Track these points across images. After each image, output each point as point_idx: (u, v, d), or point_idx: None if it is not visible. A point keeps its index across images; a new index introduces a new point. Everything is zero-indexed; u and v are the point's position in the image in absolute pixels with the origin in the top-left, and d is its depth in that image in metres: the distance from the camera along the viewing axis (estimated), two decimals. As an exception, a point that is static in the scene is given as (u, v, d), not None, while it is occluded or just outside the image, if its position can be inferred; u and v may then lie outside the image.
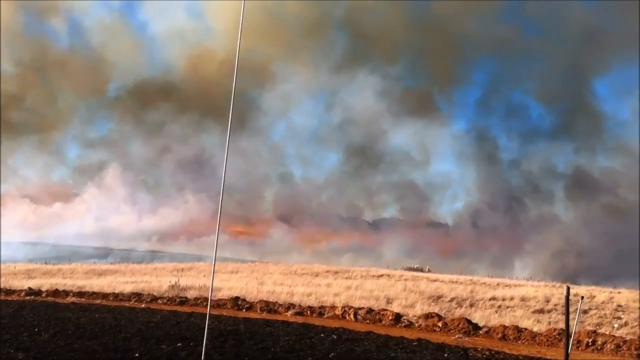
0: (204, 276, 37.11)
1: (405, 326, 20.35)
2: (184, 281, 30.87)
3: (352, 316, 21.61)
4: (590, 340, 17.56)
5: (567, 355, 9.99)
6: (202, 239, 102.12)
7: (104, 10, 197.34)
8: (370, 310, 22.01)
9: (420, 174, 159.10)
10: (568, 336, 10.48)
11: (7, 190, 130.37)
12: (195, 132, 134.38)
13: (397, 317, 21.14)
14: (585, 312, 26.73)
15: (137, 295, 26.58)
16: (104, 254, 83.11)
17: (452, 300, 29.17)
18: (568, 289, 10.25)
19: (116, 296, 26.77)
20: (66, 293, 27.42)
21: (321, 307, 23.31)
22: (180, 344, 13.99)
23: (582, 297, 10.55)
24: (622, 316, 25.98)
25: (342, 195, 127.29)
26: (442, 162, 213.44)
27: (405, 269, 67.49)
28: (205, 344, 9.56)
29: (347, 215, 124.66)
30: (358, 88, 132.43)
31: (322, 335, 16.35)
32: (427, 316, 21.18)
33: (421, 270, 71.09)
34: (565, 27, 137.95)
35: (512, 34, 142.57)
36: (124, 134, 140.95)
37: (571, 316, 24.67)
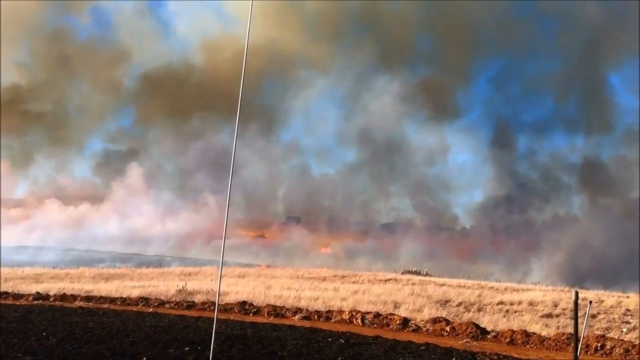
0: (212, 280, 37.12)
1: (413, 330, 20.29)
2: (191, 285, 30.90)
3: (359, 320, 21.56)
4: (599, 344, 17.48)
5: (576, 359, 9.94)
6: (217, 242, 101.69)
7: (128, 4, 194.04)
8: (377, 315, 21.96)
9: (436, 171, 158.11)
10: (577, 340, 10.43)
11: (30, 188, 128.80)
12: (218, 129, 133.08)
13: (405, 322, 21.08)
14: (593, 316, 26.64)
15: (145, 300, 26.60)
16: (129, 258, 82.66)
17: (459, 304, 29.11)
18: (577, 293, 10.21)
19: (123, 300, 26.80)
20: (74, 297, 27.44)
21: (328, 311, 23.28)
22: (187, 348, 13.99)
23: (591, 302, 10.51)
24: (631, 320, 25.91)
25: (358, 196, 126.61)
26: (459, 156, 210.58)
27: (404, 272, 67.59)
28: (213, 349, 9.51)
29: (362, 218, 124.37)
30: (376, 86, 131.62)
31: (329, 339, 16.32)
32: (435, 320, 21.11)
33: (418, 273, 71.17)
34: (579, 22, 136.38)
35: (525, 29, 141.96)
36: (146, 132, 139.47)
37: (580, 320, 24.61)
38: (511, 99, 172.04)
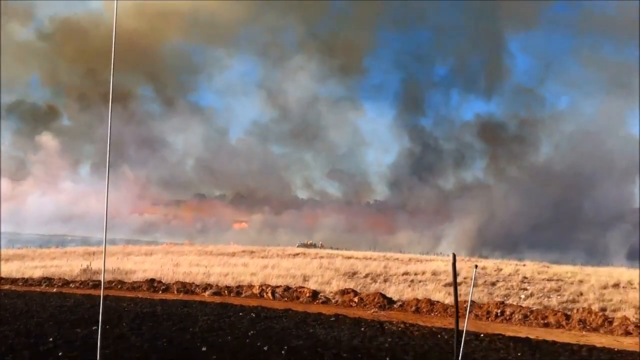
0: (117, 259, 36.33)
1: (323, 303, 20.69)
2: (96, 264, 30.16)
3: (269, 294, 21.76)
4: (499, 310, 18.41)
5: (457, 321, 10.47)
6: (128, 219, 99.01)
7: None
8: (287, 288, 22.23)
9: (348, 139, 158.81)
10: (457, 302, 11.00)
11: None
12: (135, 92, 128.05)
13: (314, 294, 21.46)
14: (493, 284, 27.90)
15: (48, 280, 25.82)
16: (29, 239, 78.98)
17: (366, 276, 29.77)
18: (454, 256, 10.68)
19: (25, 281, 25.91)
20: (-29, 280, 26.33)
21: (239, 286, 23.35)
22: (95, 327, 13.73)
23: (476, 266, 11.00)
24: (528, 287, 27.25)
25: (278, 175, 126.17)
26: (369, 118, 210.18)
27: (300, 246, 68.75)
28: (101, 330, 9.35)
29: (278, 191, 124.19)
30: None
31: (240, 314, 16.41)
32: (343, 292, 21.60)
33: (315, 246, 72.58)
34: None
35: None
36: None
37: (480, 287, 25.71)
38: (417, 57, 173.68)
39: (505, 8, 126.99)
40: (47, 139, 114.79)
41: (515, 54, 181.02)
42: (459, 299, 20.82)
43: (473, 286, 11.25)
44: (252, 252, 47.25)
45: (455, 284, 10.66)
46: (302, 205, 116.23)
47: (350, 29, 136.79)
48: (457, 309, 10.88)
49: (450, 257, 10.62)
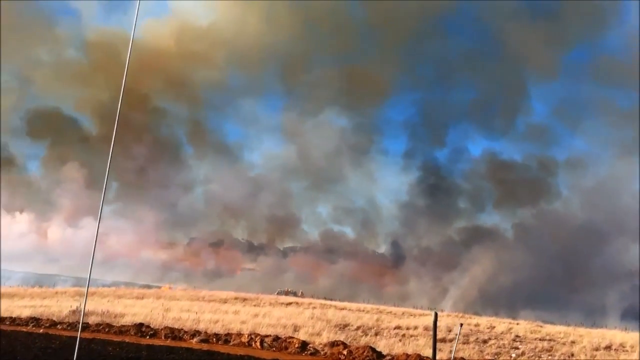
0: (108, 301, 36.06)
1: (311, 354, 20.48)
2: (86, 306, 29.90)
3: (258, 344, 21.55)
4: (488, 369, 18.24)
5: None
6: (122, 261, 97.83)
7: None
8: (276, 338, 22.02)
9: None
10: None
11: None
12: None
13: (303, 345, 21.25)
14: (485, 341, 27.63)
15: (35, 320, 25.57)
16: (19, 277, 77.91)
17: (358, 328, 29.50)
18: (436, 314, 10.69)
19: (13, 320, 25.65)
20: (-42, 317, 26.08)
21: (227, 334, 23.13)
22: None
23: (461, 325, 11.04)
24: (520, 346, 26.99)
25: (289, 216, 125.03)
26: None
27: (279, 294, 68.37)
28: None
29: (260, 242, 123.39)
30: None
31: (226, 362, 16.25)
32: (333, 344, 21.40)
33: (295, 294, 72.07)
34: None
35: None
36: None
37: (471, 345, 25.50)
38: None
39: (528, 53, 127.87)
40: (71, 170, 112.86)
41: (534, 99, 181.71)
42: (450, 355, 20.67)
43: (457, 344, 11.19)
44: (244, 299, 46.92)
45: (434, 342, 10.62)
46: (307, 250, 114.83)
47: (374, 65, 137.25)
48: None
49: (440, 313, 10.62)
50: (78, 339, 9.72)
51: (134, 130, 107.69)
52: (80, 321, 10.73)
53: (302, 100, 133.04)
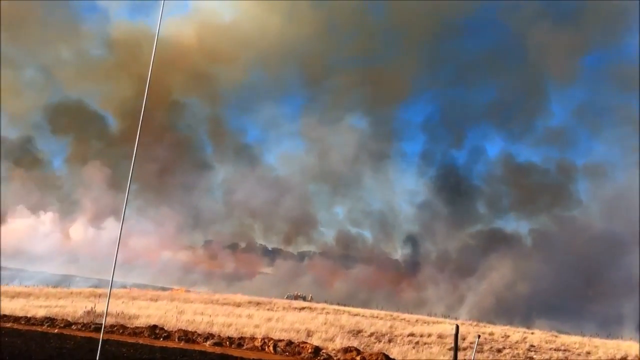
0: (122, 302, 36.20)
1: (324, 359, 20.41)
2: (100, 307, 30.04)
3: (271, 348, 21.53)
4: (502, 378, 18.09)
5: None
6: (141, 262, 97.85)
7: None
8: (289, 343, 21.99)
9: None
10: None
11: None
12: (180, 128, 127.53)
13: (316, 350, 21.20)
14: (499, 350, 27.46)
15: (50, 320, 25.70)
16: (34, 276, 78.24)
17: (371, 335, 29.42)
18: (457, 327, 10.60)
19: (28, 320, 25.81)
20: (-26, 315, 26.27)
21: (241, 338, 23.13)
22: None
23: (479, 336, 10.96)
24: (535, 356, 26.80)
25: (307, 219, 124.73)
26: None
27: (288, 298, 68.33)
28: None
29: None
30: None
31: (239, 366, 16.24)
32: (346, 350, 21.33)
33: (304, 298, 71.96)
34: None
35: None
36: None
37: (485, 354, 25.38)
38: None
39: (547, 55, 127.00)
40: (94, 169, 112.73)
41: (554, 102, 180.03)
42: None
43: (474, 353, 11.13)
44: (258, 303, 46.95)
45: (455, 355, 10.54)
46: (324, 255, 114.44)
47: (393, 66, 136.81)
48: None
49: (454, 321, 10.56)
50: (101, 339, 9.76)
51: (155, 129, 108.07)
52: (104, 322, 10.79)
53: (321, 102, 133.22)
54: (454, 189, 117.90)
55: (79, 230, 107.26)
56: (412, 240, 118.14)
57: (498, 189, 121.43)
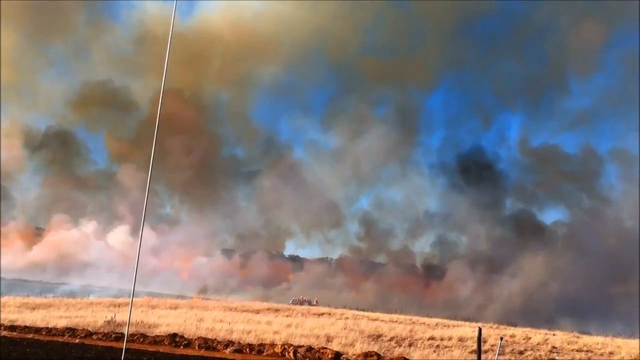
0: (142, 312, 36.34)
1: (344, 365, 20.36)
2: (120, 317, 30.18)
3: (291, 354, 21.50)
4: (525, 380, 17.93)
5: None
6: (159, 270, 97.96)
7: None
8: (309, 349, 21.96)
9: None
10: None
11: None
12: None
13: (337, 356, 21.15)
14: (521, 352, 27.25)
15: (71, 330, 25.86)
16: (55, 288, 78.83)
17: (391, 339, 29.31)
18: (480, 330, 10.52)
19: (49, 331, 25.98)
20: (-4, 327, 26.48)
21: (260, 344, 23.13)
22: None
23: (501, 338, 10.89)
24: (557, 357, 26.57)
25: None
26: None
27: (293, 302, 68.33)
28: None
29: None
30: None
31: (260, 373, 16.23)
32: (366, 355, 21.26)
33: (309, 302, 71.75)
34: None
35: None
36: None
37: (507, 356, 25.19)
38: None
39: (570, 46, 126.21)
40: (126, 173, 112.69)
41: (581, 86, 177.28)
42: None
43: (497, 356, 11.03)
44: (277, 309, 46.98)
45: (479, 355, 10.46)
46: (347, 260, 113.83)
47: (419, 50, 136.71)
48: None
49: (474, 324, 10.48)
50: (124, 348, 9.78)
51: (189, 132, 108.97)
52: (126, 332, 10.83)
53: (348, 94, 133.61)
54: (479, 177, 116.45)
55: (118, 238, 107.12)
56: (437, 237, 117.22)
57: (525, 179, 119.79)
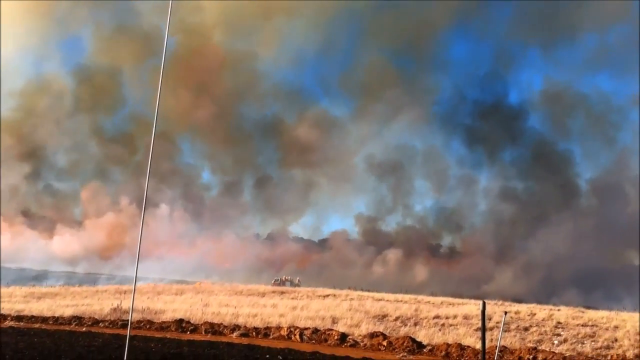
0: (147, 298, 36.48)
1: (351, 346, 20.45)
2: (126, 304, 30.29)
3: (297, 337, 21.59)
4: (531, 356, 17.99)
5: None
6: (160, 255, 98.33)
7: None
8: (315, 331, 22.04)
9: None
10: (484, 350, 10.79)
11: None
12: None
13: (343, 337, 21.23)
14: (526, 329, 27.31)
15: (78, 319, 25.96)
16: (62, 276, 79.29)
17: (397, 319, 29.40)
18: (484, 303, 10.51)
19: (56, 320, 26.09)
20: (4, 317, 26.57)
21: (267, 328, 23.22)
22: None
23: (505, 313, 10.89)
24: (562, 333, 26.63)
25: None
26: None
27: (275, 282, 68.61)
28: None
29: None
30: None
31: (267, 356, 16.29)
32: (372, 335, 21.34)
33: (291, 282, 71.84)
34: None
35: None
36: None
37: (512, 333, 25.24)
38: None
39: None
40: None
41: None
42: (491, 343, 20.46)
43: (502, 333, 11.05)
44: (282, 292, 47.15)
45: (483, 333, 10.47)
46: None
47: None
48: (483, 357, 10.68)
49: (478, 301, 10.50)
50: (128, 336, 9.81)
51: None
52: (130, 320, 10.85)
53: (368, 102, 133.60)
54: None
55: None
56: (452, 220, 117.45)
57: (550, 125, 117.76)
